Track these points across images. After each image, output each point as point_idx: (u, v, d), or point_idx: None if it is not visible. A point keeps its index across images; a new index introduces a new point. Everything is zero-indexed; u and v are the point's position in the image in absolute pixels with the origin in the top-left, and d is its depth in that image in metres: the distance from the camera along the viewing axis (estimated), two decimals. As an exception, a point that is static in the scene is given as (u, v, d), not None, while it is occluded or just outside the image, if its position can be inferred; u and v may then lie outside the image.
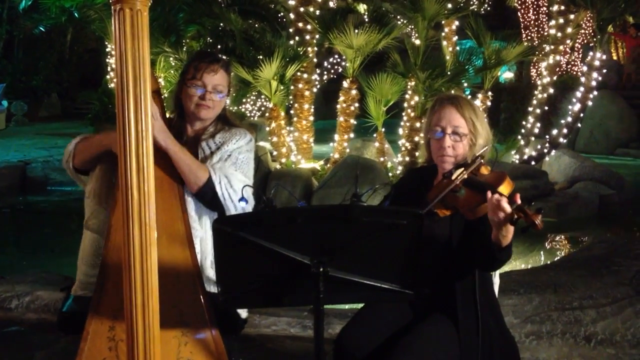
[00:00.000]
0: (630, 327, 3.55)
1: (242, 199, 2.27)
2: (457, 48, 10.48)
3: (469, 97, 10.19)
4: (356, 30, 8.45)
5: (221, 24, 10.70)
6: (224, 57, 2.76)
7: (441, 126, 2.39)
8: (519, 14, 16.92)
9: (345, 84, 8.87)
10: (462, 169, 2.25)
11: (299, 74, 8.87)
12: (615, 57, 20.05)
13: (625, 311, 3.60)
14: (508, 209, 2.01)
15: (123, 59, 1.74)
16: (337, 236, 1.90)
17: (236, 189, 2.37)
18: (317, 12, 9.05)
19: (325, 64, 15.69)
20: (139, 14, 1.74)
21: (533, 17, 16.62)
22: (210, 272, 2.42)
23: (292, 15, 9.20)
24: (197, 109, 2.56)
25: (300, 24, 9.02)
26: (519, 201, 2.04)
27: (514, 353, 2.38)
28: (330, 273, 1.90)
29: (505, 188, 2.09)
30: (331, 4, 14.30)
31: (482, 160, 2.29)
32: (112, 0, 1.75)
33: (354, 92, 8.86)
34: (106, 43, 13.61)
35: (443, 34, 10.29)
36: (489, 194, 2.06)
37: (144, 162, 1.75)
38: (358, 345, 2.30)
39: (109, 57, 13.49)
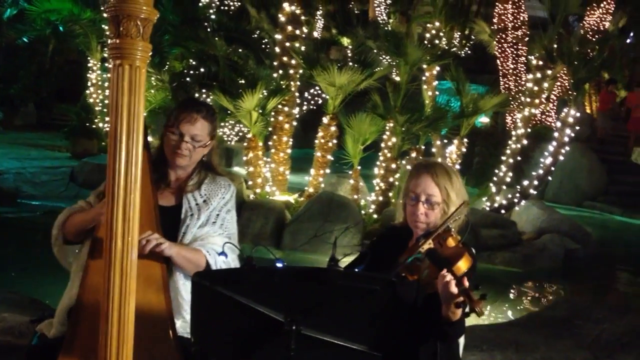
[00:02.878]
0: (586, 390, 3.63)
1: (222, 253, 2.32)
2: (437, 93, 10.68)
3: (445, 141, 10.40)
4: (338, 66, 8.60)
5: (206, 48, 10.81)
6: (209, 105, 2.80)
7: (416, 193, 2.49)
8: (498, 61, 17.27)
9: (325, 120, 8.98)
10: (430, 238, 2.33)
11: (280, 106, 8.96)
12: (588, 111, 20.53)
13: (583, 375, 3.69)
14: (455, 291, 2.13)
15: (118, 112, 1.78)
16: (312, 296, 1.96)
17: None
18: (302, 48, 9.18)
19: (306, 94, 15.83)
20: (137, 70, 1.80)
21: (512, 66, 16.98)
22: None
23: (277, 49, 9.32)
24: (173, 157, 2.61)
25: (285, 58, 9.14)
26: (466, 284, 2.14)
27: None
28: (302, 331, 1.95)
29: (462, 265, 2.19)
30: (316, 34, 14.50)
31: (452, 230, 2.36)
32: (113, 55, 1.80)
33: (333, 128, 8.98)
34: (88, 57, 13.62)
35: (424, 78, 10.49)
36: (443, 272, 2.16)
37: (130, 213, 1.79)
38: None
39: (90, 72, 13.48)
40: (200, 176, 2.67)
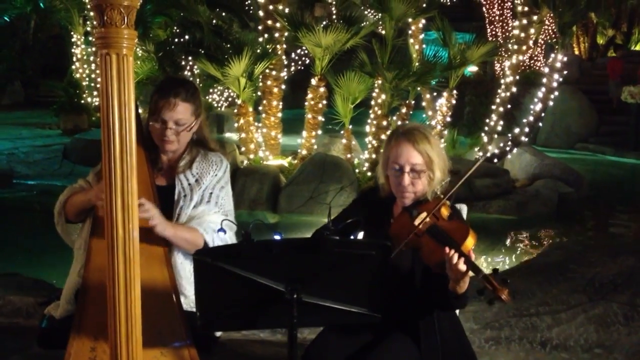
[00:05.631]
0: (583, 332, 3.75)
1: (220, 229, 2.37)
2: (424, 46, 10.64)
3: (434, 94, 10.40)
4: (324, 23, 8.55)
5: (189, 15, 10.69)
6: (188, 82, 2.75)
7: (399, 164, 2.45)
8: (484, 8, 17.14)
9: (314, 81, 8.97)
10: (425, 213, 2.31)
11: (267, 71, 8.95)
12: (577, 52, 20.48)
13: (579, 317, 3.80)
14: (463, 268, 2.15)
15: (109, 102, 1.80)
16: (310, 265, 2.03)
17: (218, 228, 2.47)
18: (287, 10, 9.11)
19: (293, 55, 15.75)
20: (124, 59, 1.81)
21: (498, 13, 16.87)
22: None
23: (261, 13, 9.25)
24: (161, 144, 2.61)
25: (270, 22, 9.08)
26: (472, 255, 2.17)
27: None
28: (303, 299, 2.02)
29: (469, 243, 2.20)
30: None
31: (441, 197, 2.39)
32: (99, 44, 1.82)
33: (322, 89, 8.98)
34: (71, 32, 13.50)
35: (410, 31, 10.44)
36: (447, 250, 2.17)
37: (129, 200, 1.83)
38: (325, 361, 2.43)
39: (74, 47, 13.38)
40: (192, 155, 2.66)
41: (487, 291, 2.07)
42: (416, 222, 2.30)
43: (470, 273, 2.18)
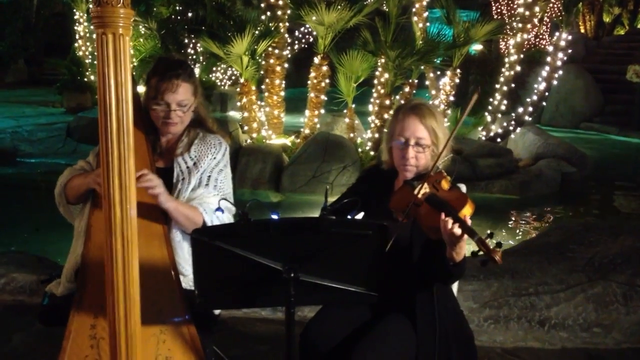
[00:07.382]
0: (582, 312, 3.77)
1: (218, 209, 2.38)
2: (428, 24, 10.57)
3: (438, 73, 10.35)
4: (327, 1, 8.50)
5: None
6: (184, 62, 2.71)
7: (404, 137, 2.48)
8: (490, -15, 16.98)
9: (316, 60, 8.94)
10: (425, 182, 2.35)
11: (270, 49, 8.91)
12: (582, 30, 20.31)
13: (578, 297, 3.82)
14: (459, 232, 2.16)
15: (106, 82, 1.81)
16: (308, 245, 2.04)
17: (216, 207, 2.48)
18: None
19: (296, 33, 15.65)
20: (121, 39, 1.81)
21: (503, -10, 16.71)
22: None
23: (263, -10, 9.19)
24: (165, 127, 2.60)
25: (272, -1, 9.03)
26: (468, 221, 2.18)
27: (470, 348, 2.53)
28: (300, 278, 2.04)
29: (466, 211, 2.21)
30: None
31: (443, 172, 2.40)
32: (95, 24, 1.82)
33: (325, 68, 8.96)
34: (74, 10, 13.45)
35: (414, 9, 10.36)
36: (443, 215, 2.18)
37: (126, 180, 1.84)
38: (323, 339, 2.44)
39: (77, 24, 13.33)
40: (190, 136, 2.66)
41: (482, 254, 2.09)
42: (416, 193, 2.31)
43: (468, 239, 2.18)
